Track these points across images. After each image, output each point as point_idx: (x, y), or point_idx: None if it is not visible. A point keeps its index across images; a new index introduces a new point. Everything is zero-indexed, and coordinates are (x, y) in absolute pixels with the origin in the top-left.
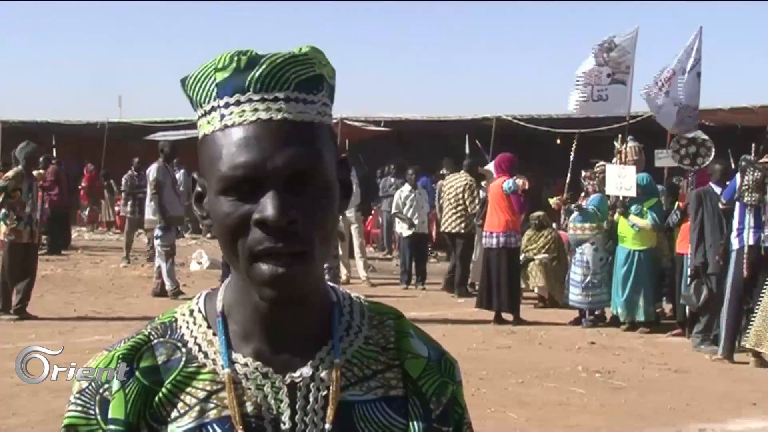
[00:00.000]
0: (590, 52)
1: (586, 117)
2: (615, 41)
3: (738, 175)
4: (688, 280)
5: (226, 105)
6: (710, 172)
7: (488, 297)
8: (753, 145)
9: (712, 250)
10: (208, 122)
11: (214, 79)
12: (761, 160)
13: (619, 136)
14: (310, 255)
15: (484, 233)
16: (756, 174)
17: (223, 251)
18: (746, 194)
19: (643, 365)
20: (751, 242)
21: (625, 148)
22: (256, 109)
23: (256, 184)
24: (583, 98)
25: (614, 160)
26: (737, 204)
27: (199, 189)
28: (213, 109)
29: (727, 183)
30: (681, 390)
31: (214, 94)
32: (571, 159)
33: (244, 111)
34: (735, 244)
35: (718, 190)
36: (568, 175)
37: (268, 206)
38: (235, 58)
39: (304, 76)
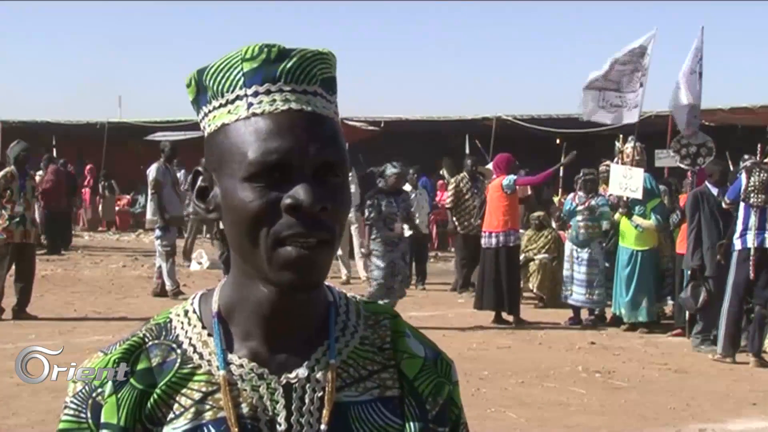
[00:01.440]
0: (611, 58)
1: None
2: (645, 46)
3: (743, 176)
4: (685, 282)
5: (255, 94)
6: (709, 173)
7: (485, 297)
8: (759, 145)
9: (709, 252)
10: (229, 112)
11: (241, 69)
12: (766, 161)
13: (620, 136)
14: (331, 244)
15: (482, 233)
16: (762, 175)
17: (237, 239)
18: (752, 195)
19: (643, 365)
20: (755, 244)
21: (627, 148)
22: (287, 99)
23: (286, 171)
24: (624, 107)
25: (615, 159)
26: (742, 205)
27: (202, 183)
28: (238, 98)
29: (728, 184)
30: (681, 390)
31: (240, 83)
32: (562, 160)
33: (274, 100)
34: (738, 245)
35: (715, 191)
36: (560, 175)
37: (301, 192)
38: (265, 49)
39: (327, 75)
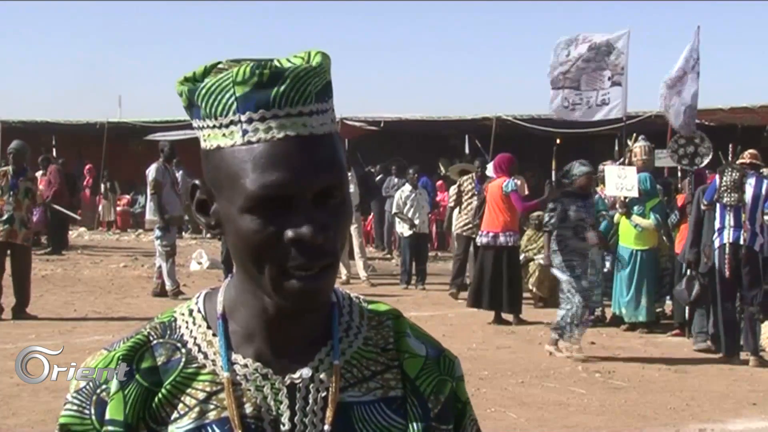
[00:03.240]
0: (573, 44)
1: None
2: (612, 43)
3: (717, 176)
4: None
5: (250, 120)
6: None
7: (479, 296)
8: (731, 145)
9: (706, 248)
10: (224, 135)
11: (233, 93)
12: (738, 161)
13: (634, 135)
14: (335, 266)
15: (480, 233)
16: (734, 174)
17: (243, 266)
18: (725, 195)
19: (643, 365)
20: (730, 240)
21: (636, 147)
22: (282, 126)
23: (285, 201)
24: (588, 104)
25: (623, 158)
26: (717, 205)
27: (201, 196)
28: (232, 122)
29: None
30: (681, 390)
31: (233, 108)
32: (553, 166)
33: (270, 127)
34: (716, 243)
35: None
36: (553, 175)
37: (303, 225)
38: (257, 72)
39: (320, 86)
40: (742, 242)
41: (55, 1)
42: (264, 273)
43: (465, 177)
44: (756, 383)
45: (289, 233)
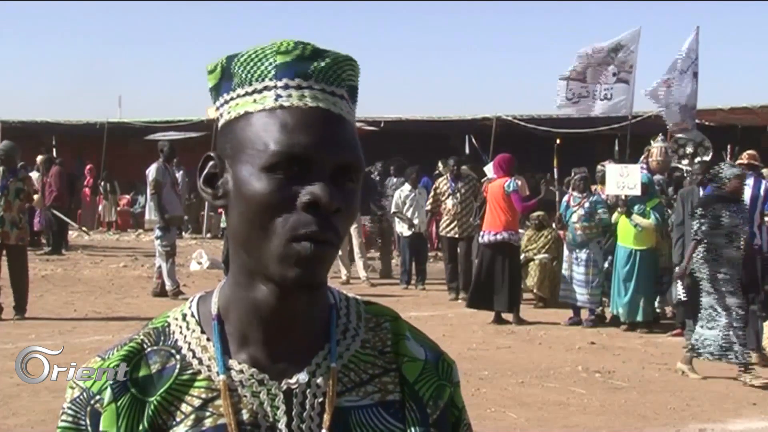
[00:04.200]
0: (587, 49)
1: (586, 117)
2: (621, 42)
3: None
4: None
5: (285, 87)
6: (698, 173)
7: (481, 296)
8: (729, 146)
9: (689, 249)
10: (255, 101)
11: (274, 61)
12: (737, 162)
13: (659, 135)
14: (337, 246)
15: (482, 232)
16: None
17: (245, 230)
18: None
19: (643, 365)
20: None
21: (654, 148)
22: (316, 97)
23: (306, 166)
24: (593, 96)
25: (642, 158)
26: None
27: (212, 170)
28: (267, 88)
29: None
30: (681, 390)
31: (271, 74)
32: (555, 164)
33: (304, 96)
34: None
35: (701, 191)
36: (555, 175)
37: (319, 189)
38: (300, 46)
39: (352, 83)
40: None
41: (55, 0)
42: (268, 238)
43: (440, 179)
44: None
45: (305, 196)
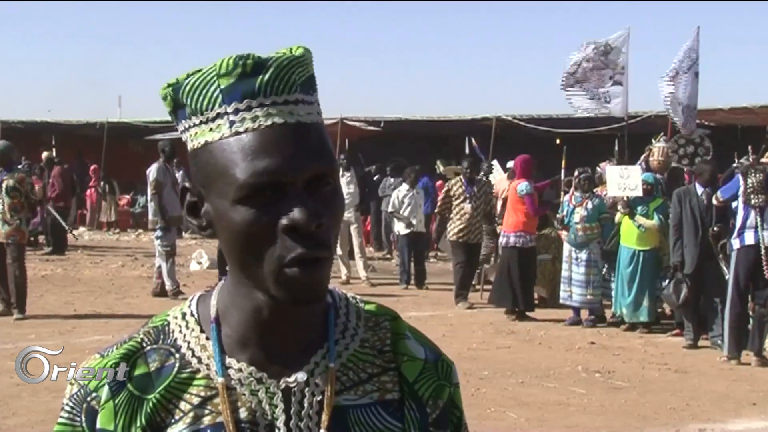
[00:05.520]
0: (580, 49)
1: (585, 117)
2: (610, 44)
3: (740, 178)
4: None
5: (236, 111)
6: (699, 172)
7: (504, 295)
8: (750, 147)
9: (688, 250)
10: (211, 130)
11: (218, 86)
12: (761, 161)
13: (661, 134)
14: (330, 259)
15: (501, 233)
16: (759, 176)
17: (238, 257)
18: (752, 197)
19: (643, 365)
20: (752, 242)
21: (655, 147)
22: (269, 114)
23: (277, 189)
24: (593, 101)
25: (642, 157)
26: (742, 206)
27: (191, 199)
28: (219, 116)
29: (719, 184)
30: (681, 390)
31: (219, 100)
32: (563, 165)
33: (257, 116)
34: (736, 244)
35: (700, 190)
36: (562, 174)
37: (296, 211)
38: (240, 63)
39: (305, 77)
40: (763, 243)
41: (55, 0)
42: (263, 266)
43: (453, 180)
44: (756, 383)
45: (284, 221)
